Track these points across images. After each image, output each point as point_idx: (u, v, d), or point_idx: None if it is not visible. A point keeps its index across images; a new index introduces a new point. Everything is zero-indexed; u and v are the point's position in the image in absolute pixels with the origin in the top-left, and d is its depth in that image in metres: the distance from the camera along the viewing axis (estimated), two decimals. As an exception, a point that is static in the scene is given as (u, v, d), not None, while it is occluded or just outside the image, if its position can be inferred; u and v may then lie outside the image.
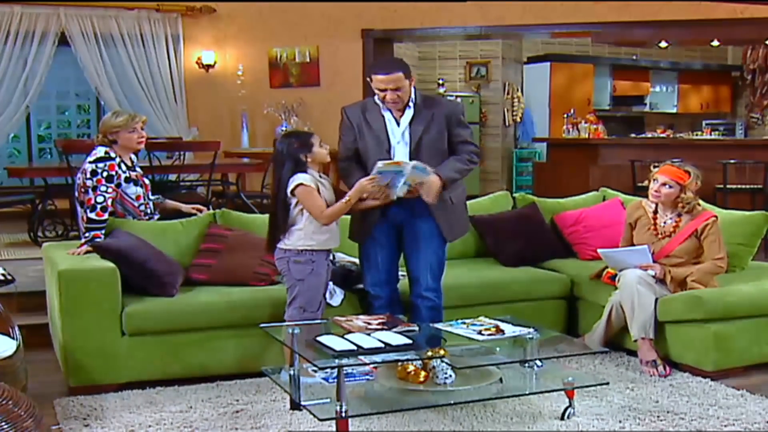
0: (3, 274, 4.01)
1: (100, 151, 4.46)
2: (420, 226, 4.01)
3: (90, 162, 4.43)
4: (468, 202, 5.35)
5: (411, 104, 3.96)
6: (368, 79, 3.99)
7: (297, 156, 3.86)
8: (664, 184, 4.37)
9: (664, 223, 4.44)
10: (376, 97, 4.00)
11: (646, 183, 4.64)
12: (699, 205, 4.44)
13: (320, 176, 3.96)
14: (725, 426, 3.43)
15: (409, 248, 4.09)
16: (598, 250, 4.58)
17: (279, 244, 3.90)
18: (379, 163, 3.78)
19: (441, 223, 4.00)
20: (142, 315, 3.96)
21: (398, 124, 3.97)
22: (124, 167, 4.51)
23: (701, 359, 4.10)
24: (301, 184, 3.82)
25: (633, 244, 4.54)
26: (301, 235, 3.85)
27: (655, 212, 4.49)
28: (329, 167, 4.07)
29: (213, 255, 4.44)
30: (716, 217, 4.39)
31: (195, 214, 4.75)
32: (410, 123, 3.95)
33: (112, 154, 4.46)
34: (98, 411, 3.63)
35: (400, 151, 3.95)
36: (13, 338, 3.45)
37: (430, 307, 4.07)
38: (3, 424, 2.57)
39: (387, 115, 3.98)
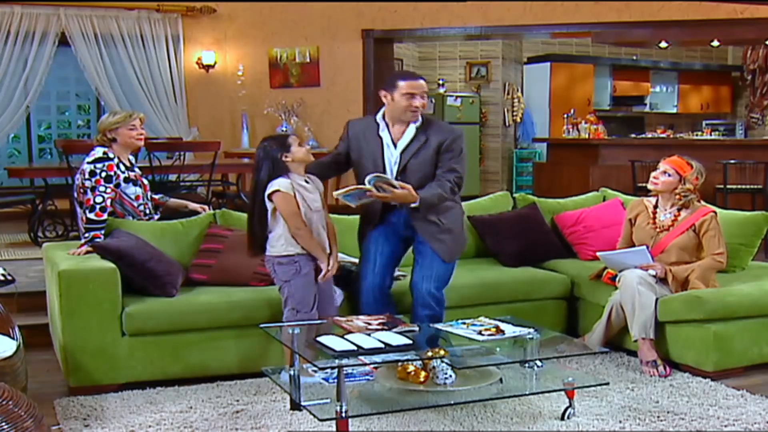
0: (3, 274, 4.02)
1: (98, 152, 4.47)
2: (426, 246, 4.06)
3: (88, 163, 4.44)
4: (468, 203, 5.40)
5: (416, 123, 4.02)
6: (387, 90, 4.01)
7: (275, 156, 3.83)
8: (664, 172, 4.41)
9: (663, 217, 4.46)
10: (378, 115, 4.08)
11: (646, 183, 4.65)
12: (699, 201, 4.45)
13: (306, 180, 3.93)
14: (725, 426, 3.43)
15: (417, 260, 4.12)
16: (598, 253, 4.58)
17: (266, 250, 3.92)
18: (337, 194, 3.86)
19: (435, 245, 4.03)
20: (142, 315, 3.96)
21: (395, 146, 4.04)
22: (122, 167, 4.52)
23: (701, 359, 4.10)
24: (278, 190, 3.81)
25: (632, 241, 4.56)
26: (282, 241, 3.87)
27: (656, 207, 4.51)
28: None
29: (213, 255, 4.44)
30: (715, 212, 4.40)
31: (200, 213, 4.77)
32: (405, 147, 4.01)
33: (111, 155, 4.47)
34: (98, 411, 3.63)
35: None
36: (13, 338, 3.45)
37: (428, 316, 4.03)
38: (3, 424, 2.57)
39: (384, 136, 4.05)
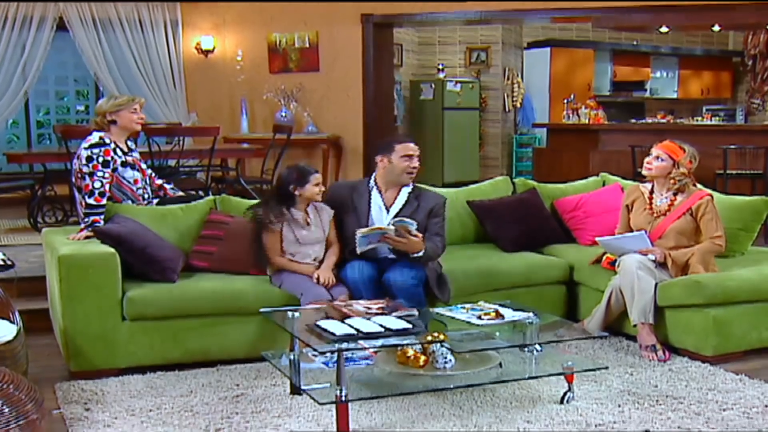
0: (3, 259, 4.02)
1: (94, 137, 4.47)
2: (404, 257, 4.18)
3: (85, 148, 4.44)
4: (468, 188, 5.40)
5: (408, 189, 4.31)
6: (383, 154, 4.26)
7: (285, 185, 4.18)
8: (657, 157, 4.43)
9: (660, 202, 4.47)
10: (370, 182, 4.33)
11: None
12: (694, 185, 4.46)
13: (306, 211, 4.20)
14: (724, 410, 3.44)
15: (393, 263, 4.21)
16: (597, 239, 4.58)
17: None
18: (358, 233, 4.04)
19: (433, 285, 4.20)
20: (143, 300, 3.96)
21: (388, 210, 4.26)
22: (119, 152, 4.52)
23: (700, 344, 4.11)
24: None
25: (630, 227, 4.56)
26: None
27: (652, 192, 4.52)
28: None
29: (214, 242, 4.43)
30: (711, 195, 4.42)
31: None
32: (398, 211, 4.24)
33: (107, 140, 4.47)
34: (99, 395, 3.64)
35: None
36: (13, 323, 3.45)
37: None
38: (4, 407, 2.58)
39: (377, 199, 4.28)
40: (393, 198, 4.32)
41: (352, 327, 3.31)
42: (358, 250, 4.08)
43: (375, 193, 4.32)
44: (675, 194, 4.45)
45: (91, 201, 4.34)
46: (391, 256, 4.22)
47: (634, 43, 13.56)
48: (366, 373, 3.50)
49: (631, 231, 4.53)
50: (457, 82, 11.65)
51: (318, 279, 4.09)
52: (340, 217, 4.33)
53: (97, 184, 4.35)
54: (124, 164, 4.53)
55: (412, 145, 4.30)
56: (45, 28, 8.80)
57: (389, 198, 4.32)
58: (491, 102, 12.21)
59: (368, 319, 3.43)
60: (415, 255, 4.13)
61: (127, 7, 9.05)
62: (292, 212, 4.20)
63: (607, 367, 3.77)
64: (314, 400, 3.21)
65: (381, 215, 4.27)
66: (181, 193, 4.97)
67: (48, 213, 6.75)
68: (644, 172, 4.51)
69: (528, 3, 9.04)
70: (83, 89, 10.17)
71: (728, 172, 7.69)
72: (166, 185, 4.90)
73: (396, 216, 4.22)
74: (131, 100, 4.59)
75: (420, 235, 4.12)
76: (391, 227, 4.06)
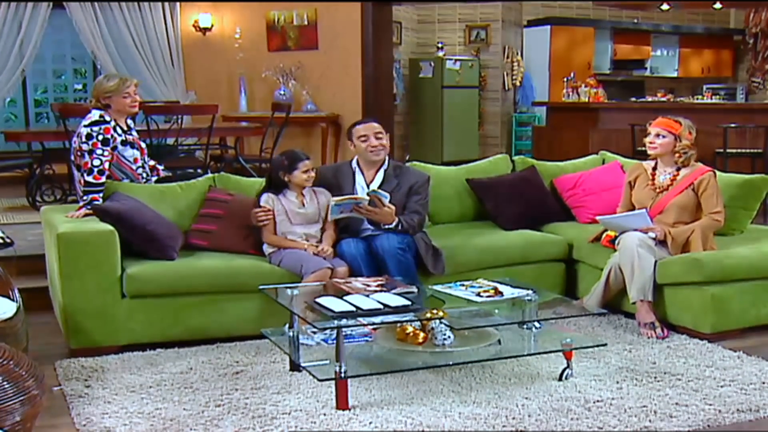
0: (2, 237, 4.01)
1: (95, 115, 4.44)
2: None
3: (85, 126, 4.41)
4: (467, 166, 5.39)
5: (384, 167, 4.39)
6: (349, 139, 4.40)
7: (276, 171, 4.27)
8: (657, 135, 4.44)
9: (663, 178, 4.47)
10: (353, 162, 4.42)
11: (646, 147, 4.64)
12: (696, 160, 4.47)
13: (301, 194, 4.27)
14: (721, 386, 3.45)
15: (377, 233, 4.28)
16: (598, 218, 4.58)
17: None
18: (332, 201, 4.16)
19: (425, 256, 4.26)
20: (142, 277, 3.96)
21: (368, 186, 4.32)
22: (119, 130, 4.50)
23: (699, 321, 4.12)
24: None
25: (632, 204, 4.56)
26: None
27: (654, 168, 4.53)
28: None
29: (214, 221, 4.42)
30: (714, 171, 4.42)
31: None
32: (378, 188, 4.29)
33: (107, 118, 4.44)
34: (99, 372, 3.65)
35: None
36: (13, 300, 3.46)
37: (400, 263, 4.11)
38: (5, 383, 2.59)
39: (359, 179, 4.37)
40: (373, 176, 4.40)
41: (351, 304, 3.32)
42: (329, 218, 4.22)
43: (358, 173, 4.41)
44: (678, 169, 4.46)
45: (90, 179, 4.32)
46: (378, 231, 4.26)
47: (635, 21, 13.49)
48: (365, 349, 3.52)
49: (633, 208, 4.54)
50: (456, 60, 11.59)
51: (317, 249, 4.16)
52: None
53: (97, 162, 4.33)
54: (124, 143, 4.51)
55: (371, 124, 4.38)
56: (41, 6, 8.73)
57: (369, 176, 4.40)
58: (491, 80, 12.15)
59: (367, 296, 3.44)
60: (387, 226, 4.20)
61: (124, -15, 8.97)
62: (286, 193, 4.26)
63: (605, 344, 3.78)
64: (313, 376, 3.22)
65: (362, 193, 4.32)
66: (169, 174, 4.95)
67: (47, 192, 6.75)
68: (649, 152, 4.50)
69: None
70: (81, 68, 10.12)
71: (728, 150, 7.67)
72: (158, 166, 4.88)
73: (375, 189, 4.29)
74: (122, 83, 4.45)
75: (393, 207, 4.18)
76: (366, 197, 4.14)
